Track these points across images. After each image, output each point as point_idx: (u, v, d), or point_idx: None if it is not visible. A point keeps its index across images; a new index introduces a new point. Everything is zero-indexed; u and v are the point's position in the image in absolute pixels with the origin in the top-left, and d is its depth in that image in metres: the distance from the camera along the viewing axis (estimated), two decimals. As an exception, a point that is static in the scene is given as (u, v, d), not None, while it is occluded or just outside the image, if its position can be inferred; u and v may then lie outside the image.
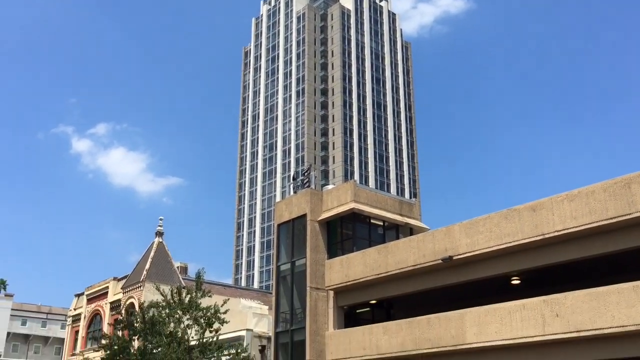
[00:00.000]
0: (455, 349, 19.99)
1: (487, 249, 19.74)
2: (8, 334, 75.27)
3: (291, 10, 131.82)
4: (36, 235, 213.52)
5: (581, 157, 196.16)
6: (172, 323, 25.37)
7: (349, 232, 26.80)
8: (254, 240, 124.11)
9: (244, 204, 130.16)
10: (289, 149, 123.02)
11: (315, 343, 24.78)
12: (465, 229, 20.60)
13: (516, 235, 18.94)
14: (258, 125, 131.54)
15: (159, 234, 41.74)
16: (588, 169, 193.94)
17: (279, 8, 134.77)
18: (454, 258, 20.67)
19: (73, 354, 42.52)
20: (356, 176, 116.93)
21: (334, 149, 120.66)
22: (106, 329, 37.34)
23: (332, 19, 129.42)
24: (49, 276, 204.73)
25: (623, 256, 17.49)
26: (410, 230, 27.29)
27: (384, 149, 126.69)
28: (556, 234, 17.95)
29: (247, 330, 30.02)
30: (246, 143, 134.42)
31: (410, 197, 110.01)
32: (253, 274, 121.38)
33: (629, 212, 16.41)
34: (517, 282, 21.53)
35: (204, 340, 25.20)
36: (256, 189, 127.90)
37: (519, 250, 19.12)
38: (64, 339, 50.71)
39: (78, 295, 46.00)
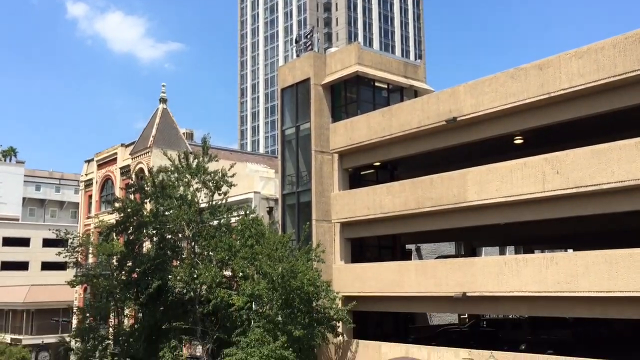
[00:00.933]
0: (456, 207, 20.65)
1: (491, 109, 19.72)
2: (24, 199, 77.92)
3: None
4: (41, 104, 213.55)
5: (594, 18, 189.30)
6: (181, 187, 26.08)
7: (353, 95, 26.66)
8: (258, 106, 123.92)
9: (246, 69, 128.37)
10: (291, 10, 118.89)
11: (321, 204, 25.59)
12: (470, 89, 20.44)
13: (522, 95, 18.82)
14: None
15: (163, 100, 41.65)
16: (601, 30, 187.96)
17: None
18: (458, 119, 20.71)
19: (88, 217, 44.24)
20: (360, 38, 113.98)
21: (337, 10, 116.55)
22: (118, 193, 38.50)
23: None
24: (57, 143, 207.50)
25: (628, 113, 17.47)
26: (415, 93, 27.12)
27: (388, 9, 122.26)
28: (562, 92, 17.82)
29: (255, 192, 30.86)
30: (246, 5, 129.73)
31: (415, 59, 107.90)
32: (258, 139, 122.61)
33: (638, 68, 16.16)
34: (520, 141, 21.74)
35: (214, 202, 26.03)
36: (258, 54, 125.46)
37: (524, 109, 19.09)
38: (78, 203, 52.47)
39: (88, 162, 46.95)
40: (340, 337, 23.89)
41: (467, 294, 19.46)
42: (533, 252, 34.55)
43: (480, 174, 19.90)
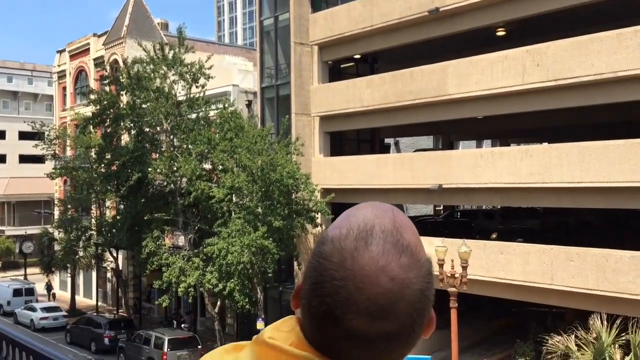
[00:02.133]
0: (436, 100, 20.64)
1: (475, -1, 19.23)
2: (-4, 92, 75.96)
3: None
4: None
5: None
6: (157, 79, 25.59)
7: (333, -17, 25.72)
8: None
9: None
10: None
11: (300, 97, 25.39)
12: (455, -22, 19.79)
13: (506, -15, 18.32)
14: None
15: (135, -13, 39.77)
16: None
17: None
18: (441, 10, 20.22)
19: (64, 110, 43.50)
20: None
21: None
22: (93, 84, 37.67)
23: None
24: (27, 33, 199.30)
25: (610, 4, 17.19)
26: (398, -19, 26.21)
27: None
28: (547, -18, 17.37)
29: (233, 85, 30.41)
30: None
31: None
32: (236, 31, 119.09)
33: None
34: (503, 33, 21.44)
35: (191, 95, 25.69)
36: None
37: (507, 0, 18.66)
38: (52, 95, 51.35)
39: (60, 52, 45.44)
40: (319, 228, 24.58)
41: (444, 186, 19.92)
42: (509, 146, 35.11)
43: (461, 67, 19.75)
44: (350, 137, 28.12)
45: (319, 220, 24.35)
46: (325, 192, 24.20)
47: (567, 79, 16.89)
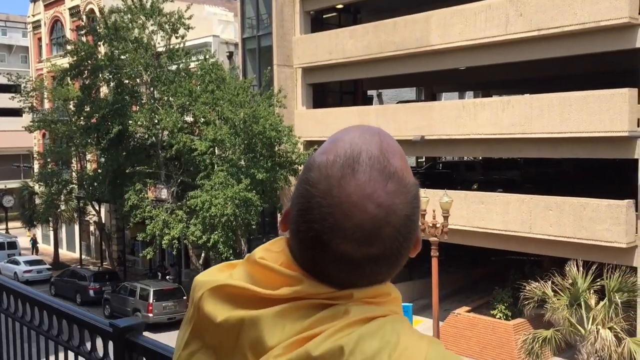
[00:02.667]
0: (419, 51, 20.52)
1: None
2: (-32, 44, 73.72)
3: None
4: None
5: None
6: (136, 29, 25.04)
7: None
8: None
9: None
10: None
11: (282, 48, 25.07)
12: None
13: None
14: None
15: None
16: None
17: None
18: (425, -43, 19.90)
19: (40, 61, 42.51)
20: None
21: None
22: (69, 35, 36.74)
23: None
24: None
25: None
26: None
27: None
28: None
29: (214, 36, 29.88)
30: None
31: None
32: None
33: None
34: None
35: (171, 46, 25.24)
36: None
37: (492, -52, 18.41)
38: (27, 47, 50.06)
39: (34, 1, 44.09)
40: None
41: (426, 137, 20.01)
42: (491, 97, 35.22)
43: (444, 17, 19.58)
44: (333, 89, 27.96)
45: (301, 172, 24.42)
46: (308, 144, 24.20)
47: (550, 29, 16.85)
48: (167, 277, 28.65)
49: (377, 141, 0.90)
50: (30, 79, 29.53)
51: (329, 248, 0.86)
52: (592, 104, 16.27)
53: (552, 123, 16.97)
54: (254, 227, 23.53)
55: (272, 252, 0.93)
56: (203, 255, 25.15)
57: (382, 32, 21.61)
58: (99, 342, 2.14)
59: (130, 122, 24.79)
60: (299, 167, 24.14)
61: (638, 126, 15.80)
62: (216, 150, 23.66)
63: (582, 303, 14.11)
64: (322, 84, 26.12)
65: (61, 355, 2.40)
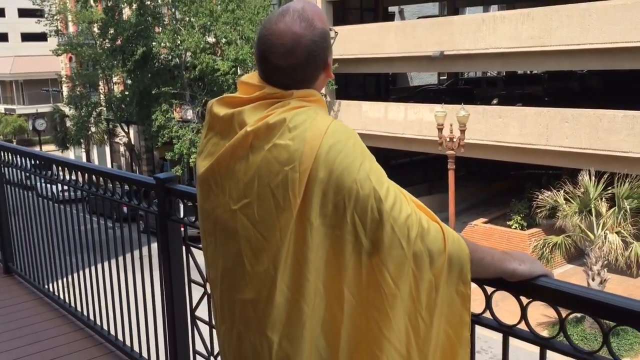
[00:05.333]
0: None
1: None
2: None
3: None
4: None
5: None
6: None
7: None
8: None
9: None
10: None
11: (302, -36, 24.78)
12: None
13: None
14: None
15: None
16: None
17: None
18: None
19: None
20: None
21: None
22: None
23: None
24: None
25: None
26: None
27: None
28: None
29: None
30: None
31: None
32: None
33: None
34: None
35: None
36: None
37: None
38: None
39: None
40: (324, 98, 25.03)
41: (445, 53, 20.10)
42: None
43: None
44: (354, 7, 27.76)
45: (323, 91, 24.74)
46: (329, 62, 24.35)
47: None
48: (196, 195, 29.68)
49: (304, 4, 1.50)
50: (55, 1, 29.78)
51: (268, 60, 1.46)
52: (612, 14, 16.15)
53: (571, 35, 16.92)
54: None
55: (251, 75, 1.56)
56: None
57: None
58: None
59: (153, 43, 25.16)
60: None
61: (659, 36, 15.73)
62: (238, 70, 24.04)
63: (593, 210, 14.65)
64: (343, 1, 25.95)
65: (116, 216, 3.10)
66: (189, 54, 24.82)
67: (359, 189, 1.37)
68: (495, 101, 23.63)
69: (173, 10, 25.68)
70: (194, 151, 23.99)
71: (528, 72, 32.10)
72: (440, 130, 16.84)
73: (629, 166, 15.85)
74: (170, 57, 26.00)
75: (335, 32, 1.58)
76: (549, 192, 15.48)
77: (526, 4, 33.22)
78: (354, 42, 23.68)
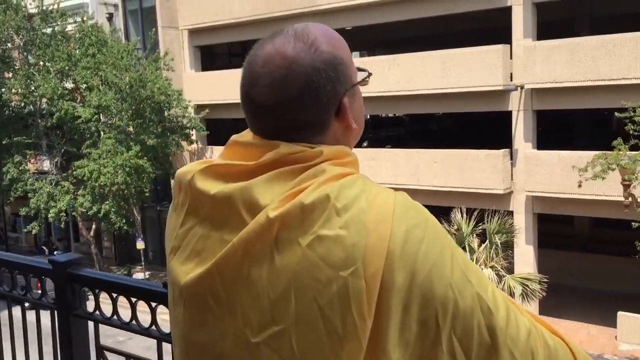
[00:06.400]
0: (306, 11, 20.68)
1: None
2: None
3: None
4: None
5: None
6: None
7: None
8: None
9: None
10: None
11: (166, 9, 24.27)
12: None
13: None
14: None
15: None
16: None
17: None
18: None
19: None
20: None
21: None
22: None
23: None
24: None
25: None
26: None
27: None
28: None
29: None
30: None
31: None
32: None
33: None
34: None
35: (44, 7, 23.64)
36: None
37: None
38: None
39: None
40: (195, 145, 24.33)
41: (316, 97, 20.35)
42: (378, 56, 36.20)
43: (330, -23, 19.82)
44: (221, 52, 27.54)
45: (194, 137, 24.06)
46: (199, 108, 23.81)
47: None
48: (55, 252, 27.41)
49: (307, 24, 1.08)
50: None
51: (251, 99, 1.03)
52: (470, 60, 17.28)
53: (434, 80, 17.85)
54: (147, 194, 23.00)
55: (242, 134, 1.09)
56: (94, 226, 24.29)
57: (268, -8, 21.51)
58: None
59: (3, 89, 23.13)
60: (191, 132, 23.73)
61: (511, 80, 17.02)
62: (102, 117, 22.70)
63: (467, 246, 15.21)
64: (210, 46, 25.64)
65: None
66: (44, 100, 23.06)
67: (457, 297, 0.93)
68: (365, 143, 24.27)
69: (25, 54, 23.86)
70: (53, 205, 22.08)
71: (391, 115, 33.56)
72: (317, 174, 16.83)
73: (495, 202, 16.79)
74: (23, 104, 24.01)
75: (369, 73, 1.15)
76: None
77: (387, 51, 34.95)
78: (225, 87, 23.34)
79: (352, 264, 0.91)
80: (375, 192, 0.97)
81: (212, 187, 1.03)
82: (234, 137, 1.09)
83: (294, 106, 1.01)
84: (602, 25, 18.05)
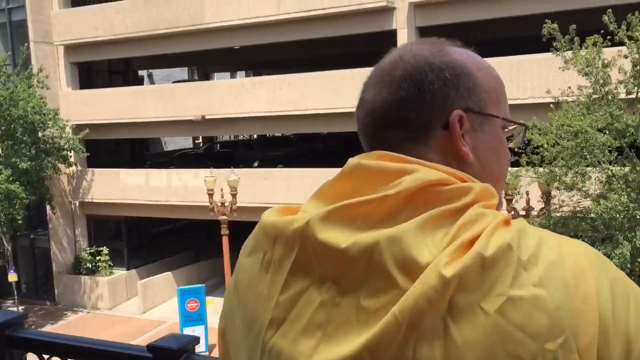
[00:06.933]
0: (193, 29, 20.19)
1: None
2: None
3: None
4: None
5: None
6: None
7: None
8: None
9: None
10: None
11: (39, 23, 22.73)
12: None
13: None
14: None
15: None
16: None
17: None
18: None
19: None
20: None
21: None
22: None
23: None
24: None
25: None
26: None
27: None
28: None
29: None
30: None
31: None
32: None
33: None
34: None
35: None
36: None
37: None
38: None
39: None
40: (74, 167, 22.85)
41: (207, 117, 19.86)
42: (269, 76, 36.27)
43: (217, -5, 19.53)
44: (101, 69, 26.21)
45: (72, 159, 22.58)
46: (78, 128, 22.41)
47: (319, 10, 17.81)
48: None
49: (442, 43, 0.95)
50: None
51: (362, 97, 0.96)
52: (357, 82, 17.43)
53: (325, 100, 18.05)
54: (19, 222, 21.20)
55: (367, 154, 0.90)
56: (-42, 259, 21.96)
57: (153, 8, 20.79)
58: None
59: None
60: (69, 154, 22.26)
61: (399, 100, 17.56)
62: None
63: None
64: (89, 63, 24.32)
65: None
66: None
67: None
68: (256, 163, 24.05)
69: None
70: None
71: (281, 134, 33.64)
72: (210, 195, 16.35)
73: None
74: None
75: (526, 127, 0.97)
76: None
77: (276, 71, 35.16)
78: (106, 106, 22.23)
79: (559, 333, 0.71)
80: (554, 239, 0.78)
81: (341, 237, 0.79)
82: (358, 159, 0.88)
83: (396, 96, 0.89)
84: (479, 50, 19.18)
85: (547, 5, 15.14)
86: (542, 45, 12.67)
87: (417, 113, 0.88)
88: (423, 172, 0.81)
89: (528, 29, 17.28)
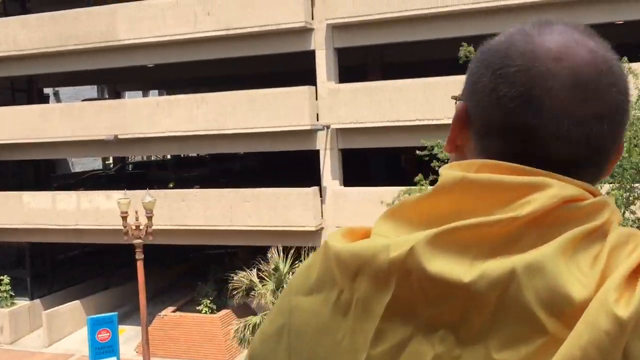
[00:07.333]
0: (104, 46, 19.44)
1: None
2: None
3: None
4: None
5: None
6: None
7: None
8: None
9: None
10: None
11: None
12: None
13: None
14: None
15: None
16: None
17: None
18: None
19: None
20: None
21: None
22: None
23: None
24: None
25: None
26: None
27: None
28: None
29: None
30: None
31: None
32: None
33: None
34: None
35: None
36: None
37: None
38: None
39: None
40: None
41: (120, 137, 19.08)
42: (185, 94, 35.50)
43: (131, 11, 18.91)
44: (3, 86, 24.70)
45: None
46: (-23, 149, 20.92)
47: (236, 29, 17.62)
48: None
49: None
50: None
51: (543, 107, 0.67)
52: (277, 101, 17.57)
53: (243, 119, 17.80)
54: None
55: (457, 167, 0.71)
56: None
57: (61, 23, 19.85)
58: None
59: None
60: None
61: (317, 120, 17.62)
62: None
63: (285, 285, 15.17)
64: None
65: None
66: None
67: None
68: (171, 184, 23.34)
69: None
70: None
71: (197, 154, 32.93)
72: (124, 218, 15.63)
73: (308, 239, 17.02)
74: None
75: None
76: (243, 272, 15.55)
77: (192, 90, 34.52)
78: (8, 125, 20.91)
79: None
80: None
81: (460, 269, 0.61)
82: (458, 171, 0.69)
83: (603, 125, 0.68)
84: (394, 71, 19.64)
85: (458, 30, 15.71)
86: (456, 67, 13.10)
87: (617, 137, 0.73)
88: (557, 187, 0.65)
89: (436, 52, 17.87)
